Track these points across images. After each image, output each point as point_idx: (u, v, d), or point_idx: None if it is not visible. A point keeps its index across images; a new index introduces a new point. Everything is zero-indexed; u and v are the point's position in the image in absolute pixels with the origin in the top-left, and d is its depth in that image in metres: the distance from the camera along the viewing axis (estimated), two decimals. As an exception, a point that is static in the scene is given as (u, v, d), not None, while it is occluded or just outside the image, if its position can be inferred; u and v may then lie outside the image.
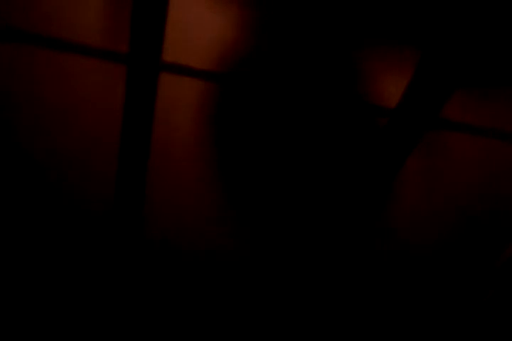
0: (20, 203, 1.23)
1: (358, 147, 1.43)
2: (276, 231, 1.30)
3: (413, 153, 1.46)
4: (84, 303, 1.16)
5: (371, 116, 1.49)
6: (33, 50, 1.42)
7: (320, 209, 1.34)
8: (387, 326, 1.23)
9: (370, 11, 1.66)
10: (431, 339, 1.23)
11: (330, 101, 1.49)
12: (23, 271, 1.17)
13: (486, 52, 1.66)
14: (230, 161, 1.36)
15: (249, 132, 1.41)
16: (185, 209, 1.29)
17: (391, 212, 1.37)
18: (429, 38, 1.65)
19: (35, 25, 1.46)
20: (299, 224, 1.31)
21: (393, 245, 1.33)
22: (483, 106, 1.58)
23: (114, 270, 1.20)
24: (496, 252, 1.36)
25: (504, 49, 1.66)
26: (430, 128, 1.51)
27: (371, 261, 1.30)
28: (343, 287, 1.26)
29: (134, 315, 1.17)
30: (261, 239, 1.28)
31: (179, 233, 1.26)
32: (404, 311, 1.26)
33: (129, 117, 1.03)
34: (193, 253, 1.25)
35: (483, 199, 1.43)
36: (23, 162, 1.27)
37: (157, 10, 0.87)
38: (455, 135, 1.51)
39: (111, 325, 1.15)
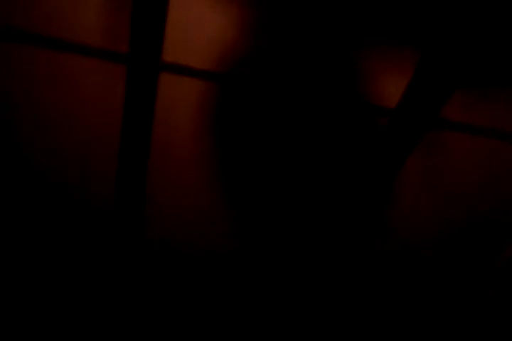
0: (20, 203, 1.23)
1: (358, 147, 1.43)
2: (276, 231, 1.30)
3: (413, 153, 1.46)
4: (84, 303, 1.16)
5: (371, 116, 1.49)
6: (33, 50, 1.42)
7: (320, 209, 1.34)
8: (388, 326, 1.23)
9: (370, 11, 1.66)
10: (431, 339, 1.23)
11: (330, 101, 1.49)
12: (24, 270, 1.17)
13: (486, 52, 1.66)
14: (230, 161, 1.36)
15: (249, 132, 1.41)
16: (185, 209, 1.29)
17: (391, 212, 1.37)
18: (429, 38, 1.65)
19: (35, 25, 1.46)
20: (299, 224, 1.31)
21: (393, 245, 1.33)
22: (483, 106, 1.58)
23: (114, 269, 1.20)
24: (496, 252, 1.36)
25: (504, 49, 1.66)
26: (430, 128, 1.51)
27: (371, 260, 1.30)
28: (343, 287, 1.26)
29: (134, 314, 1.17)
30: (261, 239, 1.28)
31: (179, 233, 1.26)
32: (405, 311, 1.26)
33: (129, 117, 1.03)
34: (193, 253, 1.25)
35: (483, 199, 1.43)
36: (23, 162, 1.28)
37: (157, 10, 0.87)
38: (455, 135, 1.51)
39: (111, 324, 1.15)
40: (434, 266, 1.32)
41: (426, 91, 0.98)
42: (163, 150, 1.35)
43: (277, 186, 1.35)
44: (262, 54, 1.54)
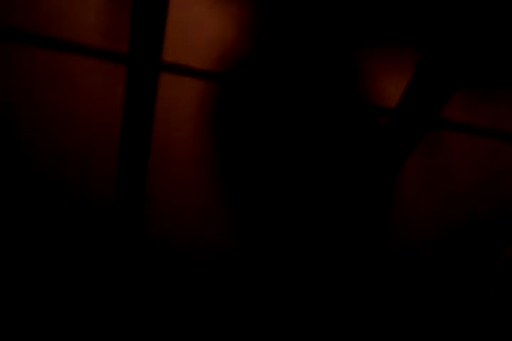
0: (20, 203, 1.23)
1: (358, 147, 1.43)
2: (276, 231, 1.30)
3: (413, 153, 1.46)
4: (84, 303, 1.16)
5: (371, 116, 1.49)
6: (33, 50, 1.42)
7: (320, 209, 1.34)
8: (388, 326, 1.23)
9: (370, 11, 1.66)
10: (431, 339, 1.23)
11: (330, 101, 1.49)
12: (24, 270, 1.17)
13: (486, 52, 1.66)
14: (230, 161, 1.36)
15: (249, 132, 1.41)
16: (185, 209, 1.29)
17: (391, 212, 1.37)
18: (429, 38, 1.65)
19: (35, 25, 1.46)
20: (299, 224, 1.31)
21: (393, 245, 1.33)
22: (483, 106, 1.58)
23: (114, 269, 1.20)
24: (496, 252, 1.36)
25: (504, 49, 1.66)
26: (430, 128, 1.51)
27: (371, 260, 1.30)
28: (343, 287, 1.26)
29: (134, 314, 1.17)
30: (261, 239, 1.28)
31: (179, 233, 1.26)
32: (405, 311, 1.26)
33: (129, 117, 1.03)
34: (193, 253, 1.25)
35: (483, 199, 1.43)
36: (23, 162, 1.28)
37: (157, 10, 0.87)
38: (455, 135, 1.51)
39: (111, 324, 1.15)
40: (434, 266, 1.32)
41: (426, 91, 0.98)
42: (163, 150, 1.35)
43: (277, 186, 1.35)
44: (262, 54, 1.54)
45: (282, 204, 1.33)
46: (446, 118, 1.54)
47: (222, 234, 1.27)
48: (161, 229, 1.26)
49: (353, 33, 1.62)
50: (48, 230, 1.21)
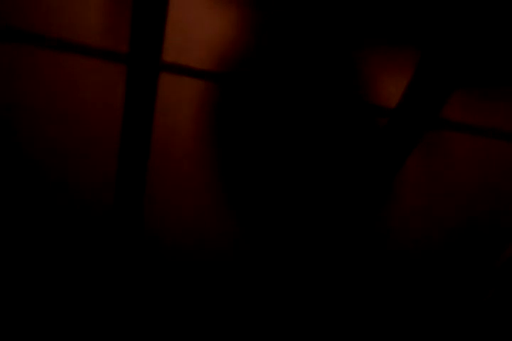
0: (20, 203, 1.23)
1: (358, 147, 1.43)
2: (276, 231, 1.30)
3: (413, 153, 1.46)
4: (84, 303, 1.16)
5: (371, 116, 1.49)
6: (33, 50, 1.42)
7: (320, 209, 1.34)
8: (388, 326, 1.23)
9: (370, 11, 1.66)
10: (431, 339, 1.23)
11: (330, 101, 1.49)
12: (24, 270, 1.17)
13: (485, 52, 1.66)
14: (230, 161, 1.36)
15: (249, 132, 1.41)
16: (185, 209, 1.29)
17: (391, 212, 1.37)
18: (429, 38, 1.65)
19: (35, 25, 1.46)
20: (299, 224, 1.31)
21: (393, 245, 1.33)
22: (483, 106, 1.58)
23: (114, 269, 1.20)
24: (496, 252, 1.36)
25: (504, 49, 1.66)
26: (430, 128, 1.51)
27: (371, 261, 1.30)
28: (343, 287, 1.26)
29: (134, 314, 1.17)
30: (261, 238, 1.28)
31: (179, 233, 1.26)
32: (405, 311, 1.26)
33: (129, 117, 1.03)
34: (193, 253, 1.25)
35: (483, 199, 1.43)
36: (23, 162, 1.28)
37: (157, 10, 0.87)
38: (455, 135, 1.51)
39: (111, 324, 1.15)
40: (434, 266, 1.32)
41: (426, 91, 0.98)
42: (163, 150, 1.35)
43: (277, 186, 1.35)
44: (262, 54, 1.54)
45: (282, 204, 1.33)
46: (446, 118, 1.54)
47: (222, 234, 1.27)
48: (161, 229, 1.26)
49: (353, 33, 1.62)
50: (47, 230, 1.21)
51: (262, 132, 1.42)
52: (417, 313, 1.26)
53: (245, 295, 1.22)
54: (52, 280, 1.17)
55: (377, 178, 1.15)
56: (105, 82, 1.42)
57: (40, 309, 1.14)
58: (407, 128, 1.04)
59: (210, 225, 1.28)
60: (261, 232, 1.29)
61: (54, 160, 1.29)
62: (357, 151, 1.43)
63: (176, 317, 1.18)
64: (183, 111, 1.41)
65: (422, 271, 1.31)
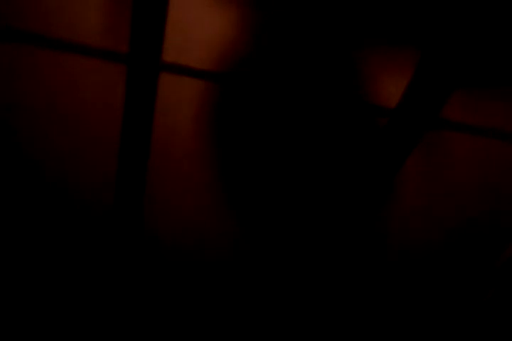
0: (20, 203, 1.23)
1: (358, 147, 1.43)
2: (276, 231, 1.30)
3: (413, 153, 1.46)
4: (84, 303, 1.16)
5: (371, 116, 1.49)
6: (33, 50, 1.42)
7: (320, 209, 1.34)
8: (387, 326, 1.23)
9: (370, 11, 1.66)
10: (431, 339, 1.23)
11: (330, 101, 1.49)
12: (24, 270, 1.17)
13: (485, 52, 1.66)
14: (230, 161, 1.36)
15: (249, 132, 1.41)
16: (185, 209, 1.29)
17: (391, 212, 1.37)
18: (429, 38, 1.65)
19: (35, 25, 1.46)
20: (299, 224, 1.31)
21: (393, 245, 1.33)
22: (483, 106, 1.58)
23: (114, 269, 1.20)
24: (496, 252, 1.36)
25: (504, 49, 1.66)
26: (430, 128, 1.51)
27: (371, 261, 1.30)
28: (343, 287, 1.26)
29: (135, 314, 1.17)
30: (261, 238, 1.28)
31: (179, 233, 1.26)
32: (405, 311, 1.26)
33: (129, 117, 1.03)
34: (193, 253, 1.25)
35: (483, 199, 1.43)
36: (22, 162, 1.28)
37: (157, 10, 0.87)
38: (455, 135, 1.51)
39: (111, 324, 1.15)
40: (434, 266, 1.32)
41: (426, 91, 0.98)
42: (163, 150, 1.35)
43: (277, 186, 1.35)
44: (262, 54, 1.54)
45: (282, 204, 1.33)
46: (446, 118, 1.54)
47: (222, 234, 1.27)
48: (161, 229, 1.26)
49: (353, 33, 1.62)
50: (47, 230, 1.21)
51: (262, 132, 1.42)
52: (417, 313, 1.26)
53: (245, 295, 1.22)
54: (53, 280, 1.17)
55: (377, 178, 1.15)
56: (105, 82, 1.42)
57: (41, 309, 1.14)
58: (407, 128, 1.04)
59: (210, 225, 1.28)
60: (261, 232, 1.29)
61: (54, 160, 1.29)
62: (357, 151, 1.43)
63: (176, 317, 1.18)
64: (183, 111, 1.41)
65: (422, 271, 1.31)
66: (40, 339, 1.11)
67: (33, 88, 1.37)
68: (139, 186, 1.20)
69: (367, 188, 1.18)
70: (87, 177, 1.28)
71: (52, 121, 1.34)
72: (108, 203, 1.26)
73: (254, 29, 1.58)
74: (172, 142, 1.36)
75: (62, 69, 1.41)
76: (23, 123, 1.32)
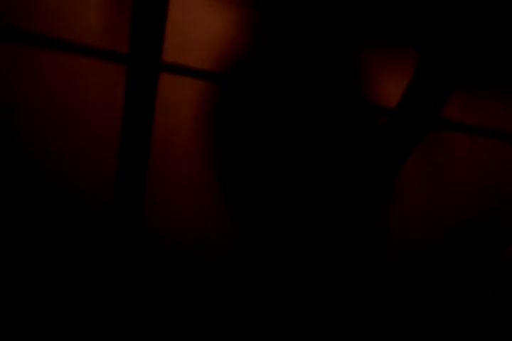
0: (20, 203, 1.23)
1: (358, 147, 1.43)
2: (276, 231, 1.30)
3: (413, 153, 1.46)
4: (84, 303, 1.16)
5: (371, 116, 1.49)
6: (33, 50, 1.42)
7: (320, 209, 1.34)
8: (387, 326, 1.23)
9: (370, 11, 1.66)
10: (431, 339, 1.23)
11: (330, 101, 1.49)
12: (24, 270, 1.17)
13: (485, 52, 1.66)
14: (230, 161, 1.36)
15: (249, 132, 1.41)
16: (185, 209, 1.29)
17: (391, 212, 1.37)
18: (429, 38, 1.65)
19: (35, 25, 1.46)
20: (299, 224, 1.31)
21: (393, 245, 1.33)
22: (483, 106, 1.58)
23: (114, 269, 1.20)
24: (496, 252, 1.36)
25: (504, 49, 1.66)
26: (430, 128, 1.51)
27: (371, 261, 1.30)
28: (343, 287, 1.26)
29: (135, 314, 1.17)
30: (261, 239, 1.28)
31: (179, 233, 1.26)
32: (405, 311, 1.26)
33: (129, 117, 1.03)
34: (193, 253, 1.25)
35: (483, 199, 1.43)
36: (22, 162, 1.28)
37: (157, 10, 0.87)
38: (455, 135, 1.51)
39: (111, 324, 1.15)
40: (434, 266, 1.32)
41: (426, 91, 0.98)
42: (163, 150, 1.35)
43: (277, 186, 1.35)
44: (262, 54, 1.54)
45: (282, 203, 1.33)
46: (446, 118, 1.54)
47: (222, 234, 1.27)
48: (161, 229, 1.26)
49: (353, 33, 1.62)
50: (47, 230, 1.21)
51: (262, 132, 1.42)
52: (417, 313, 1.26)
53: (245, 295, 1.22)
54: (53, 280, 1.17)
55: (378, 178, 1.15)
56: (105, 82, 1.42)
57: (41, 309, 1.14)
58: (407, 128, 1.04)
59: (210, 225, 1.28)
60: (261, 232, 1.29)
61: (54, 160, 1.29)
62: (357, 151, 1.43)
63: (176, 317, 1.18)
64: (183, 111, 1.41)
65: (422, 271, 1.31)
66: (40, 339, 1.11)
67: (33, 88, 1.37)
68: (139, 186, 1.20)
69: (367, 188, 1.18)
70: (87, 177, 1.28)
71: (52, 121, 1.34)
72: (108, 203, 1.26)
73: (254, 29, 1.58)
74: (172, 142, 1.36)
75: (62, 69, 1.41)
76: (23, 123, 1.32)
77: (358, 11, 1.66)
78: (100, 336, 1.13)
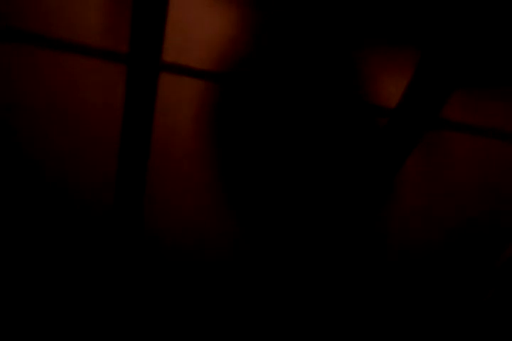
0: (20, 203, 1.23)
1: (358, 147, 1.43)
2: (276, 230, 1.30)
3: (413, 153, 1.46)
4: (84, 303, 1.16)
5: (371, 116, 1.49)
6: (33, 50, 1.42)
7: (320, 209, 1.34)
8: (387, 326, 1.23)
9: (370, 11, 1.66)
10: (431, 339, 1.23)
11: (330, 101, 1.49)
12: (24, 270, 1.17)
13: (485, 52, 1.66)
14: (230, 161, 1.36)
15: (249, 132, 1.41)
16: (185, 209, 1.29)
17: (391, 212, 1.37)
18: (429, 38, 1.65)
19: (35, 25, 1.46)
20: (299, 224, 1.31)
21: (393, 245, 1.33)
22: (483, 106, 1.58)
23: (114, 269, 1.20)
24: (496, 252, 1.36)
25: (504, 49, 1.66)
26: (430, 128, 1.51)
27: (371, 261, 1.30)
28: (343, 286, 1.26)
29: (135, 314, 1.17)
30: (261, 239, 1.28)
31: (179, 233, 1.26)
32: (405, 311, 1.26)
33: (129, 117, 1.03)
34: (193, 253, 1.25)
35: (483, 199, 1.43)
36: (22, 162, 1.28)
37: (157, 10, 0.87)
38: (455, 135, 1.51)
39: (111, 324, 1.15)
40: (434, 266, 1.32)
41: (426, 91, 0.98)
42: (163, 150, 1.35)
43: (277, 186, 1.35)
44: (262, 54, 1.54)
45: (282, 203, 1.33)
46: (446, 118, 1.54)
47: (222, 234, 1.27)
48: (161, 229, 1.26)
49: (353, 33, 1.62)
50: (47, 230, 1.21)
51: (262, 132, 1.42)
52: (417, 313, 1.26)
53: (245, 295, 1.22)
54: (53, 280, 1.17)
55: (377, 178, 1.15)
56: (105, 82, 1.42)
57: (40, 309, 1.14)
58: (407, 128, 1.04)
59: (210, 225, 1.28)
60: (261, 232, 1.29)
61: (54, 160, 1.29)
62: (357, 151, 1.43)
63: (176, 317, 1.18)
64: (183, 111, 1.41)
65: (422, 271, 1.31)
66: (40, 339, 1.11)
67: (33, 88, 1.37)
68: (139, 186, 1.20)
69: (367, 188, 1.18)
70: (87, 177, 1.28)
71: (52, 121, 1.34)
72: (108, 203, 1.26)
73: (254, 29, 1.58)
74: (172, 142, 1.36)
75: (62, 69, 1.41)
76: (23, 123, 1.32)
77: (358, 11, 1.66)
78: (100, 336, 1.13)
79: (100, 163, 1.31)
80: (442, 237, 1.36)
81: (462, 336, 1.24)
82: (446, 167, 1.46)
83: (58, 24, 1.48)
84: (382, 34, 1.63)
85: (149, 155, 1.33)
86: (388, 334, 1.23)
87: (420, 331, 1.24)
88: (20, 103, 1.35)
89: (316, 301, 1.23)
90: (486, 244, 1.37)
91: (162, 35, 0.91)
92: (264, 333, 1.19)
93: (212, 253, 1.25)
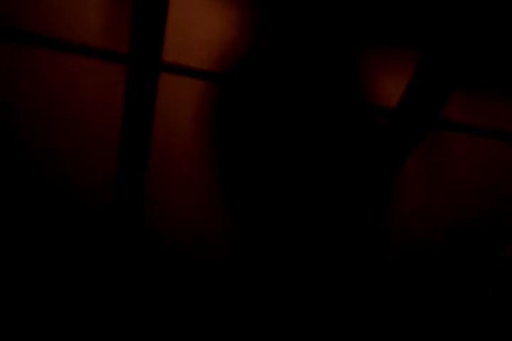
0: (20, 203, 1.23)
1: (358, 147, 1.43)
2: (276, 230, 1.30)
3: (413, 153, 1.46)
4: (84, 303, 1.16)
5: (371, 116, 1.49)
6: (33, 50, 1.42)
7: (320, 209, 1.34)
8: (387, 326, 1.23)
9: (370, 11, 1.66)
10: (431, 339, 1.23)
11: (330, 101, 1.49)
12: (24, 270, 1.17)
13: (485, 52, 1.66)
14: (230, 161, 1.36)
15: (249, 132, 1.41)
16: (185, 209, 1.29)
17: (391, 212, 1.37)
18: (429, 38, 1.65)
19: (35, 25, 1.46)
20: (299, 224, 1.31)
21: (393, 245, 1.33)
22: (483, 106, 1.58)
23: (114, 269, 1.20)
24: (496, 252, 1.36)
25: (504, 49, 1.66)
26: (430, 128, 1.51)
27: (371, 261, 1.30)
28: (343, 287, 1.26)
29: (135, 314, 1.17)
30: (261, 239, 1.28)
31: (179, 233, 1.26)
32: (405, 311, 1.26)
33: (129, 117, 1.03)
34: (193, 253, 1.25)
35: (483, 199, 1.43)
36: (22, 162, 1.28)
37: (157, 10, 0.87)
38: (455, 135, 1.51)
39: (111, 324, 1.15)
40: (434, 266, 1.32)
41: (426, 91, 0.98)
42: (163, 150, 1.35)
43: (277, 186, 1.35)
44: (262, 54, 1.54)
45: (282, 203, 1.33)
46: (446, 118, 1.54)
47: (222, 234, 1.27)
48: (161, 229, 1.26)
49: (353, 33, 1.62)
50: (47, 230, 1.21)
51: (262, 132, 1.42)
52: (417, 313, 1.26)
53: (245, 295, 1.22)
54: (53, 280, 1.17)
55: (377, 178, 1.15)
56: (105, 82, 1.42)
57: (40, 309, 1.14)
58: (407, 128, 1.04)
59: (210, 225, 1.28)
60: (261, 232, 1.29)
61: (54, 160, 1.29)
62: (357, 151, 1.43)
63: (176, 317, 1.18)
64: (183, 111, 1.41)
65: (422, 271, 1.31)
66: (40, 339, 1.11)
67: (33, 88, 1.37)
68: (139, 186, 1.20)
69: (367, 188, 1.18)
70: (87, 177, 1.28)
71: (52, 121, 1.34)
72: (108, 203, 1.26)
73: (254, 29, 1.58)
74: (172, 142, 1.36)
75: (62, 69, 1.41)
76: (23, 123, 1.32)
77: (358, 11, 1.66)
78: (100, 336, 1.13)
79: (100, 163, 1.31)
80: (442, 237, 1.36)
81: (462, 336, 1.24)
82: (446, 167, 1.46)
83: (58, 24, 1.48)
84: (382, 34, 1.63)
85: (149, 155, 1.33)
86: (388, 334, 1.23)
87: (420, 331, 1.24)
88: (20, 103, 1.35)
89: (316, 301, 1.23)
90: (486, 244, 1.37)
91: (162, 35, 0.91)
92: (264, 333, 1.19)
93: (212, 253, 1.25)
